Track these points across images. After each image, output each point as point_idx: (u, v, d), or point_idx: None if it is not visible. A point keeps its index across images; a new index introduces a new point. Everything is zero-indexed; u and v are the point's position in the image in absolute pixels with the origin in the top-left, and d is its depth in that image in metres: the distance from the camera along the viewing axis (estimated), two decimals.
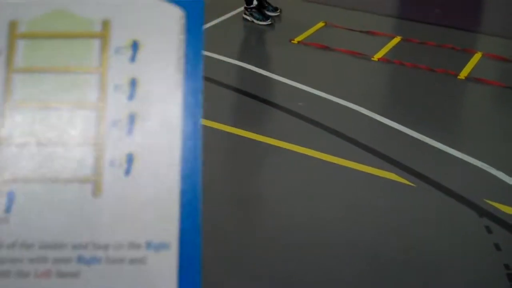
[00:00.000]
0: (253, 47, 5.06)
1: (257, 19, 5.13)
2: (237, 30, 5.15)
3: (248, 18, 5.18)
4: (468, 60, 4.58)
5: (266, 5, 5.24)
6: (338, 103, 3.93)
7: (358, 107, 3.88)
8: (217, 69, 4.34)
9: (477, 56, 4.67)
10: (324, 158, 3.37)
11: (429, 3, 6.01)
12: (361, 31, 5.06)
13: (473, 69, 4.47)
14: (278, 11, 5.28)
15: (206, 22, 5.05)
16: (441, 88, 4.25)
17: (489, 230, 2.90)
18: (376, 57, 4.59)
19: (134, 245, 0.45)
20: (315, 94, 4.03)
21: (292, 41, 4.83)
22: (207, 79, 4.14)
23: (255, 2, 5.13)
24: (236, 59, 4.51)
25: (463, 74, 4.38)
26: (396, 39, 4.93)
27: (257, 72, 4.35)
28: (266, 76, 4.30)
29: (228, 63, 4.44)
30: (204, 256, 0.46)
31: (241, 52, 4.87)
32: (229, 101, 4.06)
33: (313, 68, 4.47)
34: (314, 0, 5.76)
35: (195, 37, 0.49)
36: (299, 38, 4.88)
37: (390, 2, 6.22)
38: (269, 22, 5.13)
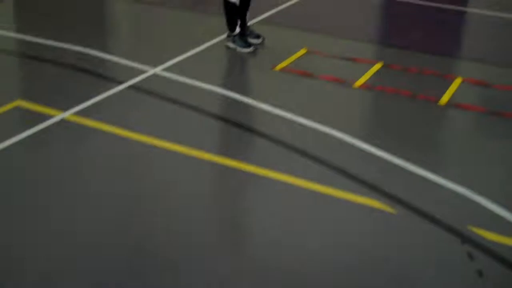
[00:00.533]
0: (236, 74, 5.08)
1: (240, 47, 5.16)
2: (220, 57, 5.17)
3: (231, 45, 5.20)
4: (449, 86, 4.63)
5: (249, 32, 5.28)
6: (320, 130, 3.95)
7: (340, 133, 3.90)
8: (200, 97, 4.35)
9: (457, 82, 4.72)
10: (306, 186, 3.38)
11: (410, 29, 6.09)
12: (342, 58, 5.11)
13: (453, 94, 4.52)
14: (261, 38, 5.31)
15: (189, 50, 5.10)
16: (422, 114, 4.28)
17: (471, 256, 2.91)
18: (358, 83, 4.63)
19: None
20: (297, 121, 4.05)
21: (275, 68, 4.86)
22: (190, 107, 4.16)
23: (237, 30, 5.16)
24: (219, 87, 4.53)
25: (444, 100, 4.42)
26: (378, 65, 4.98)
27: (240, 100, 4.36)
28: (249, 104, 4.32)
29: (211, 91, 4.46)
30: None
31: (224, 79, 4.89)
32: (212, 130, 4.06)
33: (296, 96, 4.49)
34: (296, 27, 5.82)
35: None
36: (282, 65, 4.92)
37: (371, 29, 6.28)
38: (252, 50, 5.16)
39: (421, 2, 6.98)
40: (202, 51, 5.18)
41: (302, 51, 5.20)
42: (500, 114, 4.26)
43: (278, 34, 5.66)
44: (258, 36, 5.33)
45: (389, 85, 4.62)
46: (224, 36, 5.33)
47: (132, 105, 4.25)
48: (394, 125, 4.16)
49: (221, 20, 5.29)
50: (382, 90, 4.56)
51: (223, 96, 4.45)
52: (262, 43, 5.30)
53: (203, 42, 5.32)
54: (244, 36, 5.22)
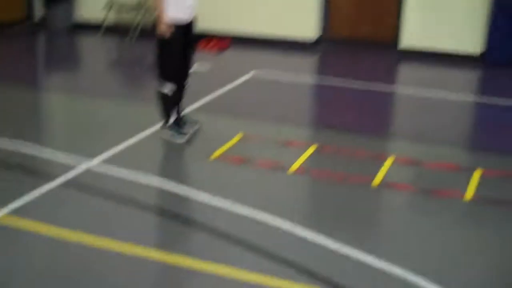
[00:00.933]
0: (172, 165, 5.07)
1: (175, 137, 5.19)
2: (156, 148, 5.19)
3: (166, 136, 5.23)
4: (381, 166, 4.76)
5: (183, 121, 5.33)
6: (257, 219, 3.96)
7: (277, 220, 3.92)
8: (137, 191, 4.33)
9: (389, 161, 4.86)
10: (243, 277, 3.35)
11: (342, 111, 6.28)
12: (277, 142, 5.21)
13: (386, 174, 4.63)
14: (197, 126, 5.37)
15: (124, 141, 5.08)
16: (357, 196, 4.37)
17: None
18: (293, 168, 4.71)
19: None
20: (234, 210, 4.06)
21: (211, 157, 4.90)
22: (126, 201, 4.12)
23: (172, 120, 5.21)
24: (155, 179, 4.51)
25: (377, 180, 4.53)
26: (312, 148, 5.09)
27: (176, 192, 4.35)
28: (186, 195, 4.31)
29: (147, 183, 4.44)
30: None
31: (160, 171, 4.88)
32: (149, 224, 4.02)
33: (232, 184, 4.52)
34: (232, 113, 5.92)
35: None
36: (218, 152, 4.97)
37: (305, 112, 6.46)
38: (186, 139, 5.19)
39: (352, 85, 7.24)
40: (139, 141, 5.19)
41: (237, 137, 5.28)
42: (431, 192, 4.38)
43: (214, 121, 5.75)
44: (193, 124, 5.38)
45: (323, 168, 4.71)
46: (158, 126, 5.36)
47: (65, 202, 4.18)
48: (329, 209, 4.21)
49: (157, 109, 5.34)
50: (317, 173, 4.64)
51: (160, 188, 4.43)
52: (198, 131, 5.36)
53: (139, 132, 5.34)
54: (178, 126, 5.26)
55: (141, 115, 5.94)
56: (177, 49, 5.07)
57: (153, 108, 5.49)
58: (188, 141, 5.20)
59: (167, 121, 5.23)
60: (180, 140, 5.19)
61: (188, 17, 5.07)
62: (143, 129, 5.40)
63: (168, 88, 5.12)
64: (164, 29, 4.95)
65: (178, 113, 5.28)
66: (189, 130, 5.31)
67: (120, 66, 8.60)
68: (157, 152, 5.17)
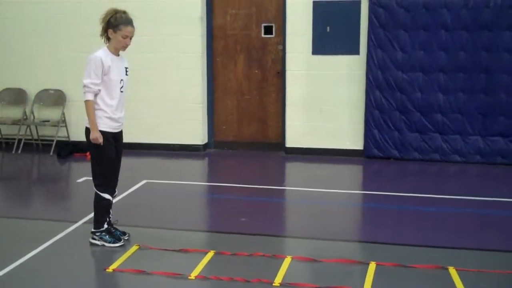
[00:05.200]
0: (68, 280, 4.83)
1: (110, 242, 5.28)
2: (48, 266, 4.94)
3: (97, 242, 5.30)
4: (280, 266, 4.80)
5: (114, 229, 5.38)
6: None
7: None
8: None
9: (287, 261, 4.91)
10: None
11: (236, 214, 6.34)
12: (175, 250, 5.14)
13: (285, 274, 4.67)
14: (127, 235, 5.45)
15: (6, 266, 4.81)
16: None
17: None
18: (193, 275, 4.64)
19: None
20: None
21: (107, 270, 4.75)
22: None
23: (105, 226, 5.32)
24: None
25: (278, 280, 4.55)
26: (210, 254, 5.06)
27: None
28: None
29: None
30: None
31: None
32: None
33: None
34: (126, 224, 5.78)
35: None
36: (114, 265, 4.82)
37: (199, 217, 6.46)
38: (123, 243, 5.30)
39: (243, 186, 7.37)
40: (22, 263, 4.91)
41: (134, 248, 5.17)
42: (330, 287, 4.46)
43: None
44: (124, 233, 5.43)
45: (223, 273, 4.67)
46: (49, 242, 5.17)
47: None
48: None
49: (44, 225, 5.13)
50: (218, 278, 4.60)
51: None
52: (128, 239, 5.41)
53: (24, 253, 5.08)
54: (112, 231, 5.33)
55: (28, 232, 5.70)
56: (110, 157, 5.23)
57: (41, 223, 5.30)
58: (81, 254, 5.02)
59: (100, 227, 5.29)
60: (116, 244, 5.25)
61: (117, 129, 5.28)
62: (29, 250, 5.15)
63: (107, 194, 5.25)
64: (95, 137, 5.08)
65: (109, 220, 5.35)
66: (122, 237, 5.37)
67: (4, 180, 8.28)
68: (51, 271, 4.91)
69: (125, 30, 5.07)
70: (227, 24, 9.56)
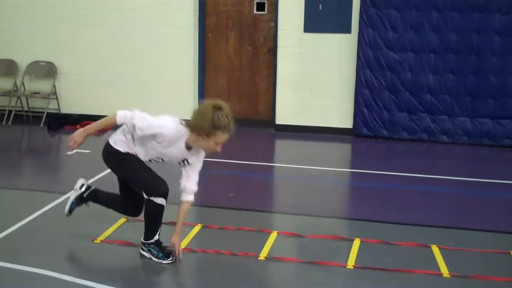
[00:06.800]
0: (58, 250, 4.88)
1: (160, 258, 4.47)
2: (38, 232, 5.00)
3: (147, 255, 4.54)
4: (266, 240, 4.88)
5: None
6: None
7: None
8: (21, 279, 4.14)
9: (273, 236, 4.99)
10: None
11: (224, 189, 6.40)
12: (163, 223, 5.17)
13: (271, 248, 4.75)
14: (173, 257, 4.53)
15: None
16: (245, 270, 4.42)
17: None
18: (180, 248, 4.70)
19: None
20: None
21: (95, 240, 4.81)
22: None
23: (156, 237, 4.51)
24: (41, 270, 4.34)
25: (263, 254, 4.63)
26: (197, 227, 5.13)
27: (60, 278, 4.21)
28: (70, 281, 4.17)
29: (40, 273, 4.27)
30: None
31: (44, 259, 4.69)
32: None
33: (121, 270, 4.45)
34: None
35: None
36: (102, 236, 4.88)
37: None
38: (171, 261, 4.48)
39: (232, 161, 7.42)
40: (11, 233, 4.97)
41: (122, 220, 5.22)
42: (315, 262, 4.53)
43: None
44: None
45: (210, 246, 4.74)
46: (38, 213, 5.21)
47: None
48: (208, 285, 4.22)
49: (33, 195, 5.18)
50: (204, 251, 4.67)
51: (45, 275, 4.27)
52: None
53: (13, 224, 5.13)
54: (161, 245, 4.52)
55: (16, 203, 5.75)
56: (137, 160, 4.45)
57: (31, 194, 5.33)
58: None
59: (150, 239, 4.49)
60: (166, 261, 4.45)
61: None
62: (19, 220, 5.21)
63: (161, 198, 4.37)
64: (78, 138, 4.34)
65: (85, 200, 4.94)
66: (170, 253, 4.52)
67: None
68: (41, 238, 4.97)
69: (222, 137, 4.23)
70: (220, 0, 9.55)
